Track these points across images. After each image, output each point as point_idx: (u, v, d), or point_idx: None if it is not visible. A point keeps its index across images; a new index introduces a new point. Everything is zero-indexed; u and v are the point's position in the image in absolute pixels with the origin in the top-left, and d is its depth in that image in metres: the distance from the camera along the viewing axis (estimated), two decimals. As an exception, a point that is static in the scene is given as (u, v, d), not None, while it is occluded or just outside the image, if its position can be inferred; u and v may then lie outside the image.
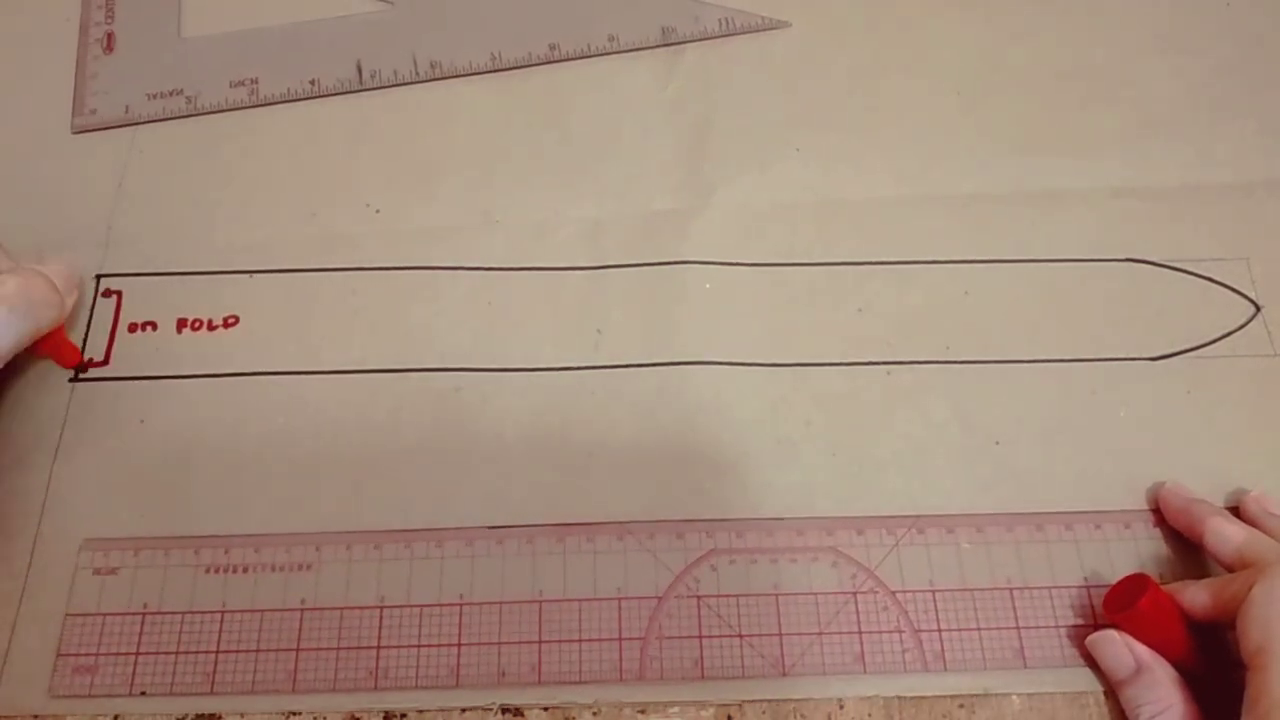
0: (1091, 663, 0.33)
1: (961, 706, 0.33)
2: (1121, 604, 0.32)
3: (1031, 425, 0.37)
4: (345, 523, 0.35)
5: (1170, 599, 0.32)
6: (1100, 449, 0.37)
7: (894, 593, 0.34)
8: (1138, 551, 0.35)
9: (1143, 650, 0.31)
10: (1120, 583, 0.33)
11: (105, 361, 0.38)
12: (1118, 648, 0.32)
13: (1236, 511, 0.35)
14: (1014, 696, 0.33)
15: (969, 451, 0.37)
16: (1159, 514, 0.35)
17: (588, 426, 0.37)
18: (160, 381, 0.38)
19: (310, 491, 0.36)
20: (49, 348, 0.37)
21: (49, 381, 0.38)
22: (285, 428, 0.37)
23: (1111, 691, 0.32)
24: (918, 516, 0.35)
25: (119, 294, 0.40)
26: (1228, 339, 0.39)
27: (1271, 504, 0.35)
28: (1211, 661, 0.32)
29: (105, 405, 0.37)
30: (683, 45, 0.45)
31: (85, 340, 0.39)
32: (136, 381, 0.38)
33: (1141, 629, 0.32)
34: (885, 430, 0.37)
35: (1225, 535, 0.32)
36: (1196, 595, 0.31)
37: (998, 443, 0.37)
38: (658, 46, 0.45)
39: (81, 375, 0.38)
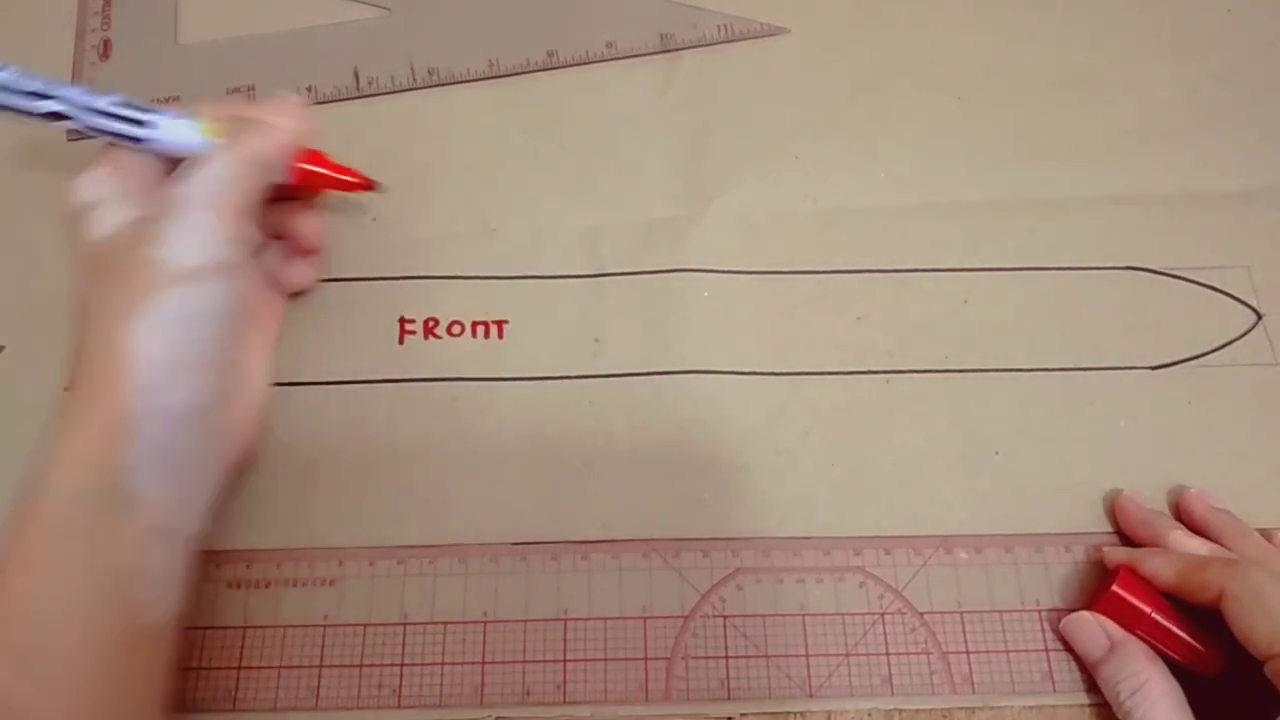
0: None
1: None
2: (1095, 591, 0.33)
3: (1031, 435, 0.37)
4: (336, 538, 0.35)
5: (1143, 583, 0.32)
6: (1100, 459, 0.36)
7: (922, 614, 0.34)
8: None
9: (1115, 628, 0.32)
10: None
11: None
12: (1091, 627, 0.32)
13: (1174, 508, 0.35)
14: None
15: (968, 461, 0.36)
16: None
17: (585, 437, 0.37)
18: (156, 390, 0.38)
19: (305, 504, 0.36)
20: (322, 184, 0.37)
21: (42, 386, 0.38)
22: (282, 438, 0.37)
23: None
24: (945, 537, 0.35)
25: (115, 302, 0.39)
26: (1229, 348, 0.38)
27: (1212, 499, 0.35)
28: (1190, 635, 0.32)
29: (101, 414, 0.37)
30: (681, 52, 0.45)
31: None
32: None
33: (1117, 611, 0.32)
34: (884, 440, 0.37)
35: (1189, 548, 0.33)
36: (1161, 569, 0.32)
37: (997, 453, 0.37)
38: (656, 53, 0.45)
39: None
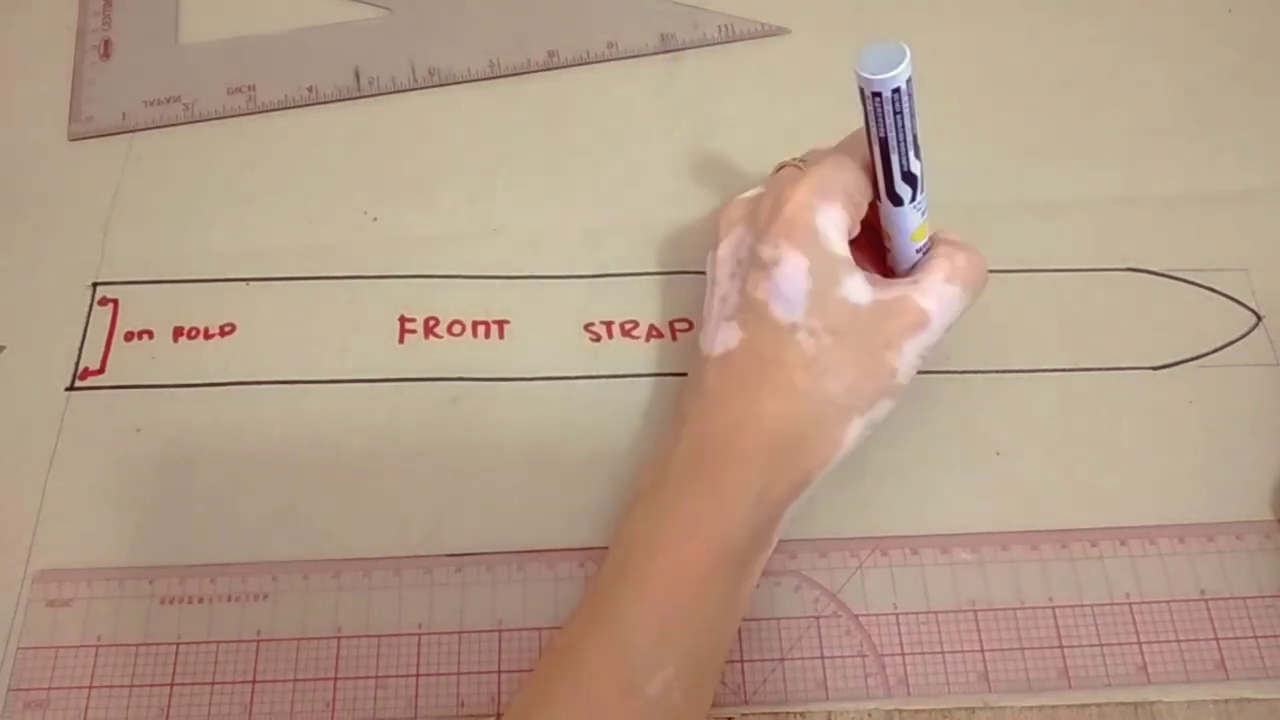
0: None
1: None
2: None
3: (1033, 436, 0.37)
4: (340, 540, 0.35)
5: None
6: (1101, 459, 0.36)
7: (857, 616, 0.34)
8: (1135, 571, 0.35)
9: None
10: None
11: (101, 370, 0.38)
12: None
13: None
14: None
15: (969, 462, 0.36)
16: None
17: (585, 438, 0.37)
18: (156, 390, 0.38)
19: (307, 504, 0.36)
20: None
21: (45, 390, 0.38)
22: (283, 437, 0.37)
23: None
24: (881, 538, 0.35)
25: (115, 302, 0.39)
26: (1229, 348, 0.38)
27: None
28: None
29: (101, 414, 0.37)
30: (682, 52, 0.45)
31: (81, 349, 0.38)
32: (133, 390, 0.38)
33: None
34: (885, 441, 0.37)
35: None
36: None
37: (998, 453, 0.37)
38: (657, 53, 0.45)
39: (78, 384, 0.38)
